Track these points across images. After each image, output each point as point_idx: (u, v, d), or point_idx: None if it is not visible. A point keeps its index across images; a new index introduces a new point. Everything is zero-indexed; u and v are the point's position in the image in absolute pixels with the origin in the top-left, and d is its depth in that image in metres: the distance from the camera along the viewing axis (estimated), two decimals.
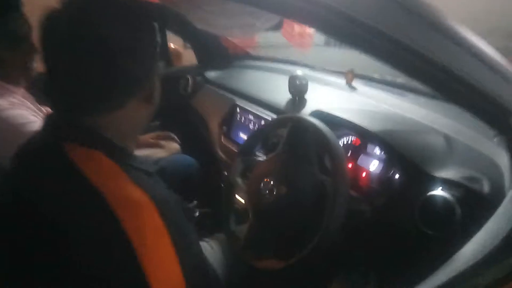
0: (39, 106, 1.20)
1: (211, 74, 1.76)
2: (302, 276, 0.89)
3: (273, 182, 0.90)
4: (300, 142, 0.94)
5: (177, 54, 2.20)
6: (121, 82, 0.59)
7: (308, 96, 1.32)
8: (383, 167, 1.02)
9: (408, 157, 0.93)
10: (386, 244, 0.91)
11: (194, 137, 1.66)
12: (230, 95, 1.54)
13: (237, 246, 0.94)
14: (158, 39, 0.63)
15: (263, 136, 1.06)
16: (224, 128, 1.46)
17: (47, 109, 1.20)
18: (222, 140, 1.46)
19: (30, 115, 1.04)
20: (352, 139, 1.13)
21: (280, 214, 0.89)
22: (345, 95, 1.34)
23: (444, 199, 0.81)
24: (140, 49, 0.60)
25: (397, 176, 0.99)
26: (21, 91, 1.12)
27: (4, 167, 0.69)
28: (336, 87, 1.40)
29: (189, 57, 1.96)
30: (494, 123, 0.68)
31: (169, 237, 0.56)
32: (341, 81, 1.41)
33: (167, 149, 1.46)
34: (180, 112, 1.73)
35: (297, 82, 1.30)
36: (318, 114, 1.15)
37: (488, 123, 0.68)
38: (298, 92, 1.31)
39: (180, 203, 0.62)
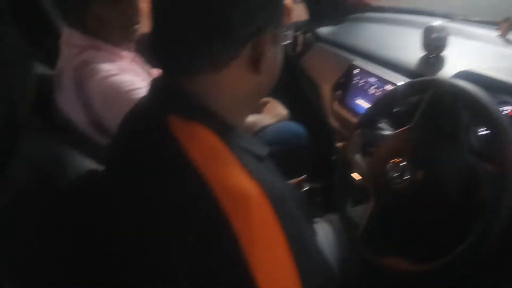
0: (148, 69, 1.18)
1: (324, 30, 1.56)
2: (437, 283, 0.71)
3: (405, 164, 0.72)
4: (445, 113, 0.73)
5: (286, 9, 2.01)
6: (225, 32, 0.49)
7: (446, 53, 1.06)
8: None
9: None
10: None
11: (303, 102, 1.51)
12: (346, 54, 1.34)
13: (355, 235, 0.79)
14: None
15: (392, 104, 0.86)
16: (338, 92, 1.28)
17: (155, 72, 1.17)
18: (335, 106, 1.29)
19: (138, 81, 1.01)
20: None
21: (415, 204, 0.71)
22: (499, 51, 1.04)
23: None
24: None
25: None
26: (131, 55, 1.10)
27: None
28: (486, 41, 1.10)
29: (299, 12, 1.77)
30: None
31: (284, 239, 0.44)
32: (492, 33, 1.11)
33: (274, 115, 1.35)
34: (287, 74, 1.58)
35: (434, 36, 1.04)
36: (466, 76, 0.89)
37: None
38: (434, 48, 1.06)
39: (295, 194, 0.50)
